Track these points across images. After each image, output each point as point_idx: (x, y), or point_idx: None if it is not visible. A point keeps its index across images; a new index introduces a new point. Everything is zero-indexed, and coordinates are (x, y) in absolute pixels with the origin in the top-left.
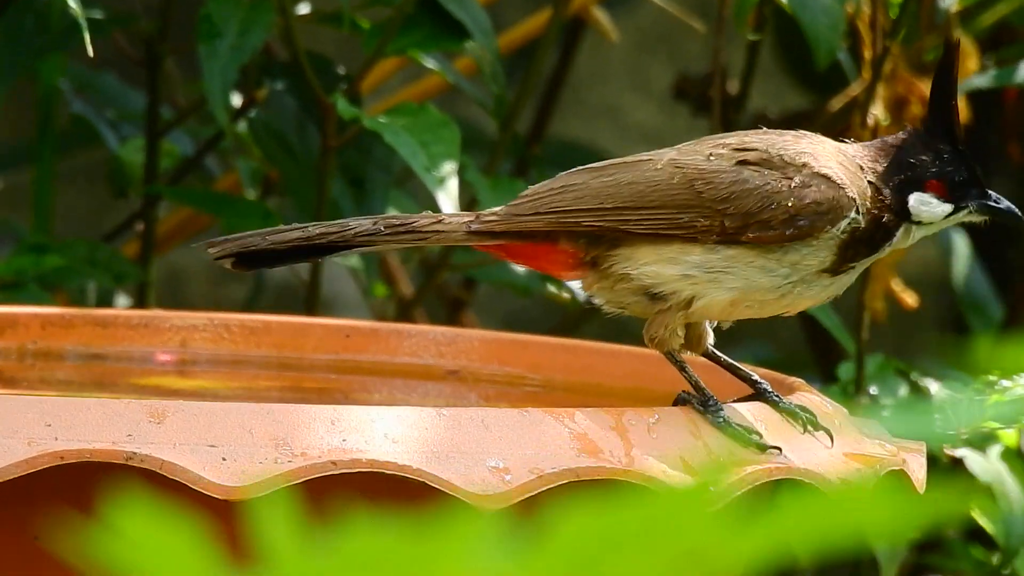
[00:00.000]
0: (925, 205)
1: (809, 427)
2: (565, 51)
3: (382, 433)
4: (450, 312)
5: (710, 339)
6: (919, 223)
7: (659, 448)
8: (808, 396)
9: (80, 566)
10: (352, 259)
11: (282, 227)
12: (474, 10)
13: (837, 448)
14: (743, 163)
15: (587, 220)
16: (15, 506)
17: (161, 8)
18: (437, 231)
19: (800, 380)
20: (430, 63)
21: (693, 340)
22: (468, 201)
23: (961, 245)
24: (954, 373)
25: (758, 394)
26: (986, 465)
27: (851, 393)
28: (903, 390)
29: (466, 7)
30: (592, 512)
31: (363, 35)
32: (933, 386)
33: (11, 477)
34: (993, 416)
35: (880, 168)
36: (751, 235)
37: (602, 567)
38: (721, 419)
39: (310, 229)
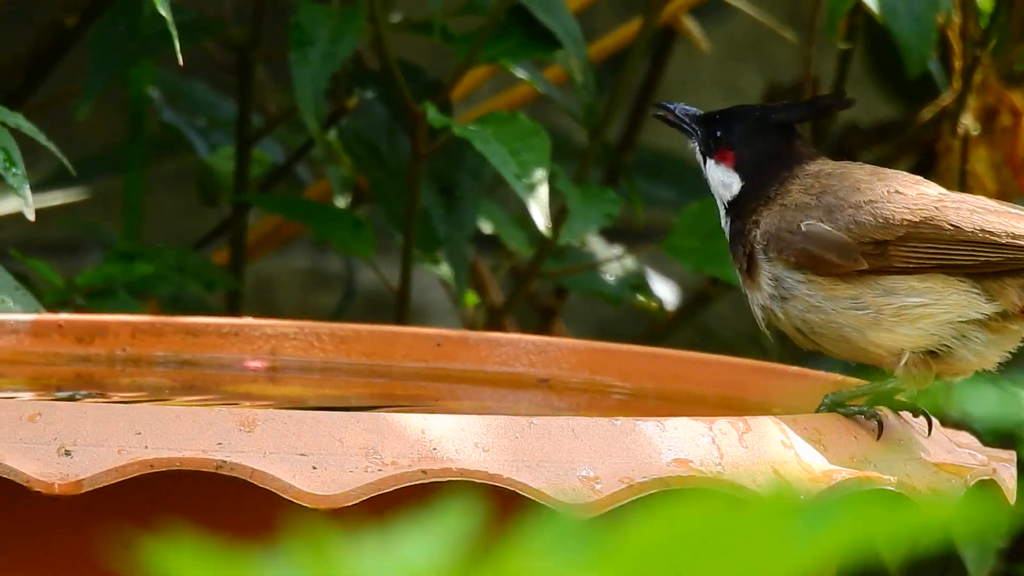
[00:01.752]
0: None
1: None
2: (656, 60)
3: (472, 442)
4: (540, 321)
5: None
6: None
7: (750, 458)
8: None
9: None
10: (442, 267)
11: None
12: (565, 19)
13: (928, 458)
14: None
15: None
16: (105, 514)
17: (252, 15)
18: None
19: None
20: (520, 72)
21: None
22: (558, 210)
23: None
24: None
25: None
26: None
27: (940, 404)
28: (994, 401)
29: (557, 16)
30: (676, 519)
31: (454, 43)
32: None
33: (101, 485)
34: None
35: None
36: None
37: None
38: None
39: None
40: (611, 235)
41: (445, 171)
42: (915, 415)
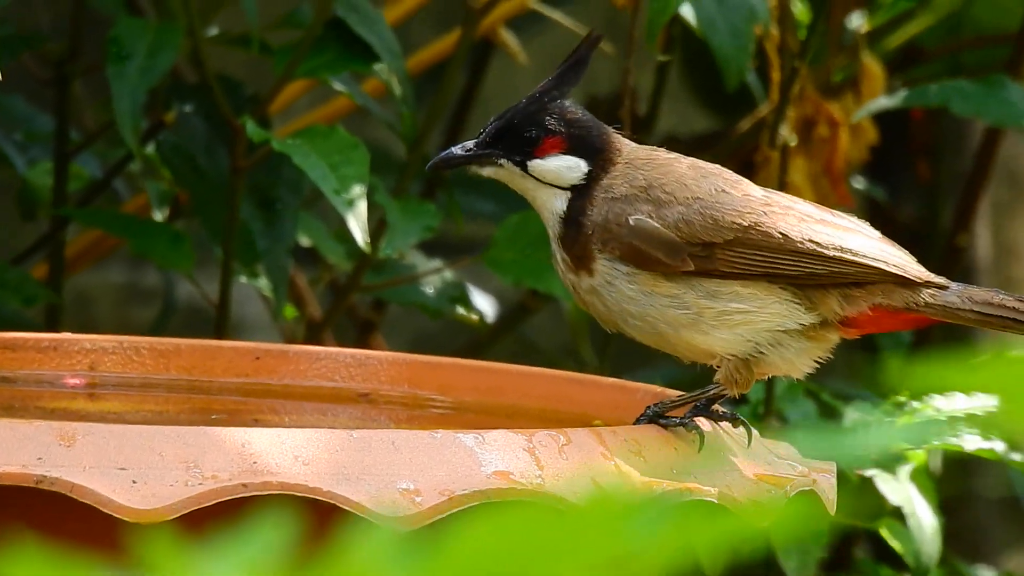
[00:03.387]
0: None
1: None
2: (474, 72)
3: (292, 455)
4: (359, 334)
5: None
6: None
7: (570, 469)
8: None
9: None
10: (262, 281)
11: None
12: (383, 32)
13: (748, 469)
14: None
15: None
16: None
17: (70, 29)
18: None
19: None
20: (339, 85)
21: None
22: (377, 223)
23: None
24: (864, 394)
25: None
26: (896, 486)
27: (760, 414)
28: (813, 411)
29: (375, 29)
30: (499, 532)
31: (272, 57)
32: (843, 407)
33: None
34: (903, 438)
35: None
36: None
37: None
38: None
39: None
40: (431, 248)
41: (264, 185)
42: (735, 426)
